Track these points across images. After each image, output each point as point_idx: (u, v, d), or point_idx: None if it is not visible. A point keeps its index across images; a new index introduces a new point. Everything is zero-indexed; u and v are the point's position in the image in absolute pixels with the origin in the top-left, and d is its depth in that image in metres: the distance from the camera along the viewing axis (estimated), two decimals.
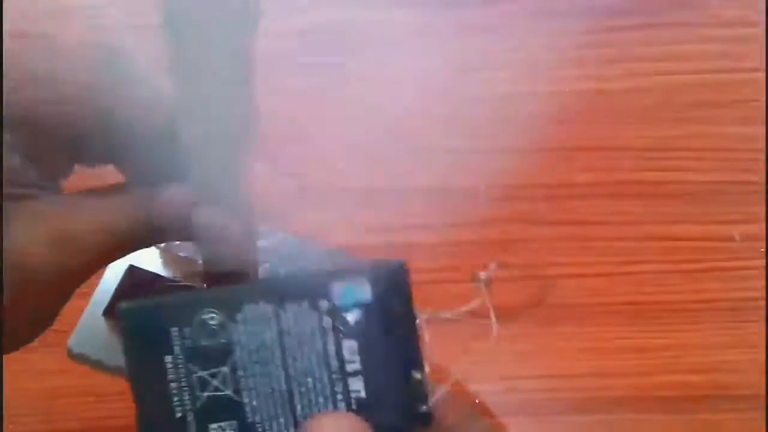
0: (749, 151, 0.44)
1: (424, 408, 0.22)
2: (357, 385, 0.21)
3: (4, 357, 0.22)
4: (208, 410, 0.21)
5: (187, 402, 0.21)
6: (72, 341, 0.30)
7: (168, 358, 0.21)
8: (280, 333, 0.21)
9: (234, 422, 0.21)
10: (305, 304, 0.21)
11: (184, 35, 0.18)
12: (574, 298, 0.41)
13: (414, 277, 0.34)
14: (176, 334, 0.21)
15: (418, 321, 0.22)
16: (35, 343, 0.26)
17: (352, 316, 0.21)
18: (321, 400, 0.21)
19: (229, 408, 0.21)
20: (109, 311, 0.29)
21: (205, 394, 0.21)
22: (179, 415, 0.21)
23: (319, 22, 0.49)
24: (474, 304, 0.22)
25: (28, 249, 0.20)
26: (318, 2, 0.49)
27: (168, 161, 0.21)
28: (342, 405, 0.21)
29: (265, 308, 0.21)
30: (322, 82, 0.47)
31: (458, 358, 0.40)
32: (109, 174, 0.24)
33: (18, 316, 0.21)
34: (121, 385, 0.40)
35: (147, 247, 0.23)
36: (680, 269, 0.42)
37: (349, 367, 0.21)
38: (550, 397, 0.39)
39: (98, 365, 0.30)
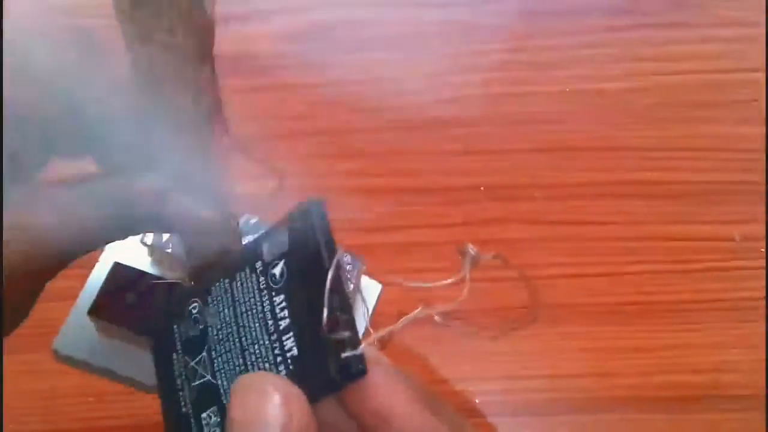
0: (749, 151, 0.44)
1: (349, 354, 0.18)
2: (290, 343, 0.19)
3: (5, 357, 0.22)
4: (199, 399, 0.20)
5: (187, 394, 0.21)
6: (57, 342, 0.29)
7: (174, 356, 0.21)
8: (234, 306, 0.20)
9: (215, 408, 0.20)
10: (247, 270, 0.20)
11: (137, 17, 0.18)
12: (575, 298, 0.41)
13: (413, 277, 0.34)
14: (176, 330, 0.21)
15: (346, 264, 0.20)
16: (35, 343, 0.26)
17: (277, 269, 0.20)
18: (267, 366, 0.19)
19: (211, 394, 0.20)
20: (95, 310, 0.28)
21: (196, 383, 0.20)
22: (183, 409, 0.21)
23: (317, 22, 0.49)
24: (455, 278, 0.21)
25: None
26: (315, 2, 0.49)
27: (139, 149, 0.20)
28: (282, 368, 0.19)
29: (224, 285, 0.21)
30: (319, 82, 0.47)
31: (458, 358, 0.40)
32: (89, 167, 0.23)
33: None
34: (122, 385, 0.40)
35: (120, 239, 0.22)
36: (680, 269, 0.42)
37: (282, 324, 0.19)
38: (550, 397, 0.39)
39: (86, 367, 0.29)
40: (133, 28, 0.18)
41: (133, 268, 0.29)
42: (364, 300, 0.29)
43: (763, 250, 0.42)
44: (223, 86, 0.20)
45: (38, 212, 0.20)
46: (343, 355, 0.18)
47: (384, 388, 0.19)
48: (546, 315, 0.41)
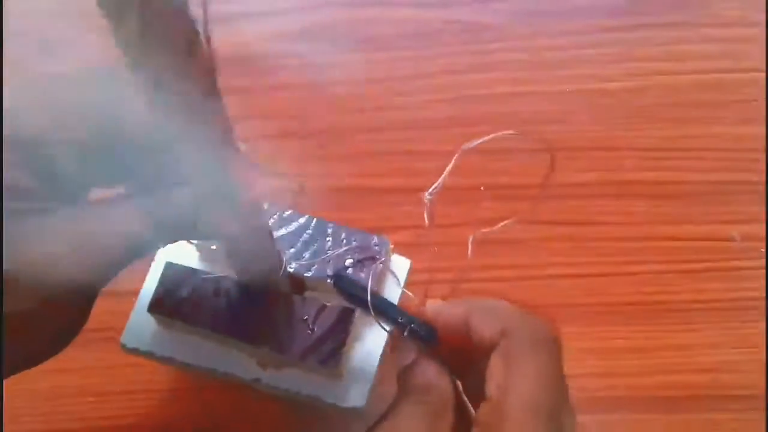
0: (749, 151, 0.44)
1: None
2: None
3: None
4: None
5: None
6: (124, 337, 0.31)
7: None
8: None
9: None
10: None
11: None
12: (574, 298, 0.41)
13: (416, 276, 0.35)
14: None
15: (374, 245, 0.31)
16: None
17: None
18: None
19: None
20: (153, 306, 0.30)
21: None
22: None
23: (317, 22, 0.49)
24: None
25: (52, 255, 0.22)
26: (315, 2, 0.49)
27: (168, 168, 0.23)
28: None
29: None
30: (319, 82, 0.47)
31: None
32: None
33: (54, 317, 0.24)
34: (122, 385, 0.40)
35: (160, 248, 0.25)
36: (680, 269, 0.42)
37: None
38: None
39: (151, 356, 0.31)
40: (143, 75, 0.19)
41: (184, 266, 0.31)
42: (395, 276, 0.33)
43: (763, 250, 0.42)
44: (224, 87, 0.20)
45: (89, 225, 0.23)
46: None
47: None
48: (546, 315, 0.41)
